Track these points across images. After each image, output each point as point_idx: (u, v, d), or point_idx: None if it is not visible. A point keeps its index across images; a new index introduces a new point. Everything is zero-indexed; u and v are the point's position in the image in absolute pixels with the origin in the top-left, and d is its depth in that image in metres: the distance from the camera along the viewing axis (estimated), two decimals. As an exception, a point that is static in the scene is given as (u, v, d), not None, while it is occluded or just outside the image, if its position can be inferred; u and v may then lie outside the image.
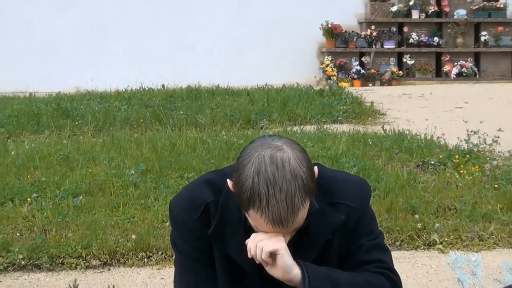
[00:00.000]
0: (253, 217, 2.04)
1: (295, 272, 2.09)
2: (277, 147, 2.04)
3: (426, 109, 9.34)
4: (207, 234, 2.18)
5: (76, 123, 8.50)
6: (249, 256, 2.09)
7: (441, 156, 6.23)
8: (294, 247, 2.15)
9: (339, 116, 8.81)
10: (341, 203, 2.19)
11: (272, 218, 2.00)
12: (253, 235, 2.09)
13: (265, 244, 2.05)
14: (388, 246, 2.37)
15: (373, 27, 12.48)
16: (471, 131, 6.76)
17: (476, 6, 12.56)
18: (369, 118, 8.83)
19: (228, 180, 2.12)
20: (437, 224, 4.91)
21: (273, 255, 2.06)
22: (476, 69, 12.35)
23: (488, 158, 6.28)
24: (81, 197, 5.41)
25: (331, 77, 11.90)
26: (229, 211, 2.17)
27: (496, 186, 5.50)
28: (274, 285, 2.17)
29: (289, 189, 1.99)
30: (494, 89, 11.00)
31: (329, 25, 12.51)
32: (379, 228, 2.34)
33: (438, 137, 6.98)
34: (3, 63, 12.46)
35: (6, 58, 12.52)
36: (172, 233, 2.31)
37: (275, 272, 2.09)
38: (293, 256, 2.13)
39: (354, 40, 12.50)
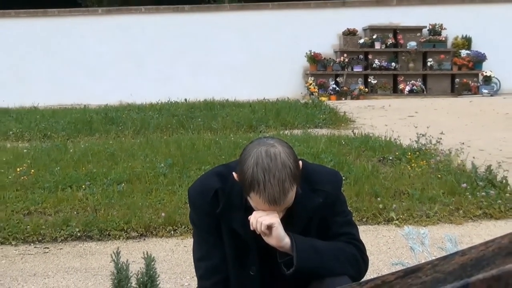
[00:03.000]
0: (254, 199, 2.06)
1: (286, 240, 2.11)
2: (271, 144, 2.07)
3: (386, 117, 9.34)
4: (216, 212, 2.19)
5: (119, 128, 8.51)
6: (251, 228, 2.10)
7: (397, 153, 6.23)
8: (284, 222, 2.16)
9: (320, 122, 8.80)
10: (319, 189, 2.20)
11: (268, 199, 2.02)
12: (254, 212, 2.10)
13: (264, 219, 2.07)
14: (356, 222, 2.37)
15: (345, 55, 12.47)
16: (420, 134, 6.77)
17: (424, 39, 12.55)
18: (342, 124, 8.82)
19: (233, 173, 2.14)
20: (394, 205, 4.91)
21: (269, 227, 2.08)
22: (423, 87, 12.33)
23: (433, 155, 6.28)
24: (123, 184, 5.42)
25: (314, 93, 11.88)
26: (233, 195, 2.19)
27: (439, 176, 5.51)
28: (268, 252, 2.18)
29: (281, 176, 2.01)
30: (438, 102, 11.01)
31: (312, 54, 12.50)
32: (349, 209, 2.36)
33: (395, 139, 6.97)
34: (63, 83, 12.48)
35: (66, 79, 12.53)
36: (190, 213, 2.34)
37: (270, 240, 2.10)
38: (283, 229, 2.14)
39: (331, 65, 12.49)
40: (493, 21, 12.71)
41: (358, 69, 12.45)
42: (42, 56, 12.63)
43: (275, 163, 2.01)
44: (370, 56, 12.57)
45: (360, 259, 2.23)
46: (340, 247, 2.18)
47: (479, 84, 12.28)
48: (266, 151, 2.04)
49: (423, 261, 1.62)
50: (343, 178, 5.30)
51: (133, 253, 4.09)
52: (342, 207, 2.27)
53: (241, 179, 2.07)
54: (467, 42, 12.65)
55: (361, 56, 12.59)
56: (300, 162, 2.14)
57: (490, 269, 1.12)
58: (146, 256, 2.40)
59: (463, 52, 12.45)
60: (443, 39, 12.60)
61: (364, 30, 12.87)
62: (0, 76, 12.51)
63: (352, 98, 11.91)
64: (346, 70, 12.38)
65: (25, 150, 6.83)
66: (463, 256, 1.27)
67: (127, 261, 2.37)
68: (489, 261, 1.17)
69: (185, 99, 10.92)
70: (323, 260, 2.12)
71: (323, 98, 11.14)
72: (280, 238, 2.10)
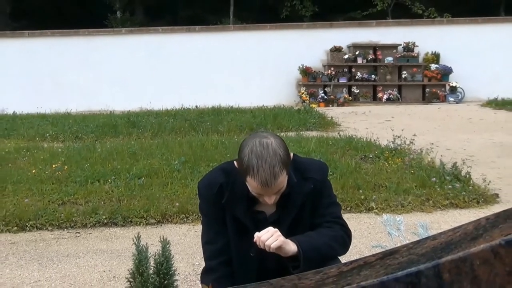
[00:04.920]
0: (249, 182, 2.05)
1: (292, 250, 2.07)
2: (264, 136, 2.08)
3: (367, 122, 9.34)
4: (221, 203, 2.18)
5: (140, 130, 8.50)
6: (261, 247, 2.05)
7: (376, 152, 6.23)
8: (281, 207, 2.17)
9: (310, 126, 8.79)
10: (310, 177, 2.21)
11: (261, 181, 2.01)
12: (256, 234, 2.05)
13: (270, 243, 2.03)
14: (340, 203, 2.37)
15: (332, 68, 12.45)
16: (396, 136, 6.76)
17: (399, 55, 12.53)
18: (330, 127, 8.82)
19: (234, 161, 2.15)
20: (374, 196, 4.90)
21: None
22: (399, 95, 12.32)
23: (407, 153, 6.27)
24: (143, 178, 5.41)
25: (305, 101, 11.86)
26: (236, 187, 2.18)
27: (412, 171, 5.50)
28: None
29: (271, 161, 2.00)
30: (411, 109, 11.01)
31: (304, 67, 12.49)
32: (334, 193, 2.35)
33: (374, 140, 6.96)
34: (92, 92, 12.47)
35: (94, 89, 12.53)
36: (199, 203, 2.33)
37: (280, 253, 2.06)
38: (280, 213, 2.16)
39: (320, 77, 12.46)
40: (458, 39, 12.73)
41: (343, 80, 12.44)
42: (74, 69, 12.63)
43: (267, 151, 2.01)
44: (353, 69, 12.56)
45: (345, 236, 2.23)
46: (331, 235, 2.17)
47: (446, 93, 12.27)
48: (260, 141, 2.04)
49: (399, 245, 1.61)
50: (330, 173, 5.32)
51: (152, 237, 4.08)
52: (328, 191, 2.28)
53: (239, 166, 2.08)
54: (436, 57, 12.65)
55: (346, 69, 12.58)
56: (292, 154, 2.15)
57: (457, 252, 1.12)
58: (162, 239, 2.39)
59: (433, 66, 12.45)
60: (416, 55, 12.60)
61: (348, 47, 12.86)
62: (39, 86, 12.51)
63: (338, 105, 11.90)
64: (333, 81, 12.37)
65: (59, 150, 6.82)
66: (434, 240, 1.26)
67: (146, 244, 2.36)
68: (457, 245, 1.17)
69: (196, 106, 10.91)
70: (321, 254, 2.12)
71: (313, 105, 11.13)
72: (287, 252, 2.07)
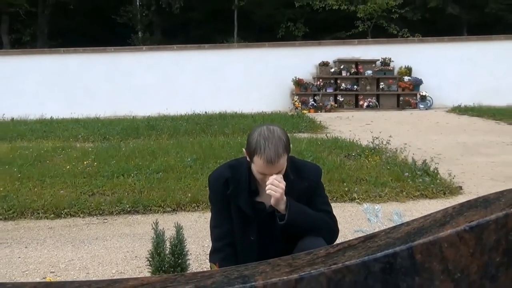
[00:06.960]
0: (256, 161, 2.06)
1: (284, 200, 2.11)
2: (271, 124, 2.14)
3: (350, 125, 9.33)
4: (227, 194, 2.18)
5: (158, 132, 8.48)
6: (267, 188, 2.06)
7: (358, 151, 6.22)
8: None
9: (302, 129, 8.78)
10: (305, 177, 2.21)
11: (266, 158, 2.03)
12: (270, 179, 2.07)
13: (281, 185, 2.07)
14: (330, 202, 2.36)
15: (321, 80, 12.44)
16: (375, 137, 6.76)
17: (377, 69, 12.53)
18: (318, 130, 8.81)
19: (243, 149, 2.16)
20: (356, 188, 4.90)
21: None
22: (377, 103, 12.31)
23: (384, 152, 6.27)
24: (161, 173, 5.41)
25: (298, 108, 11.85)
26: (241, 182, 2.19)
27: (388, 167, 5.50)
28: (266, 226, 2.16)
29: (276, 143, 2.04)
30: (387, 114, 11.00)
31: (297, 79, 12.48)
32: (326, 193, 2.34)
33: (356, 140, 6.95)
34: (118, 99, 12.44)
35: (119, 97, 12.50)
36: (209, 193, 2.34)
37: (275, 198, 2.08)
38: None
39: (310, 87, 12.45)
40: (428, 56, 12.73)
41: (330, 90, 12.43)
42: (102, 80, 12.62)
43: (273, 135, 2.05)
44: (338, 81, 12.55)
45: (333, 229, 2.23)
46: (322, 217, 2.19)
47: (417, 101, 12.26)
48: (267, 127, 2.10)
49: (377, 230, 1.60)
50: (319, 169, 5.31)
51: (168, 223, 4.07)
52: (321, 191, 2.27)
53: (248, 149, 2.09)
54: (408, 71, 12.64)
55: (332, 81, 12.57)
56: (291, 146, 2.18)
57: (428, 236, 1.11)
58: (176, 225, 2.39)
59: (406, 78, 12.44)
60: (391, 68, 12.59)
61: (334, 62, 12.86)
62: (73, 95, 12.50)
63: (325, 111, 11.88)
64: (321, 91, 12.36)
65: (90, 149, 6.82)
66: (407, 226, 1.25)
67: (163, 228, 2.36)
68: (427, 230, 1.16)
69: (205, 112, 10.89)
70: (307, 221, 2.12)
71: (304, 111, 11.12)
72: (278, 206, 2.10)
